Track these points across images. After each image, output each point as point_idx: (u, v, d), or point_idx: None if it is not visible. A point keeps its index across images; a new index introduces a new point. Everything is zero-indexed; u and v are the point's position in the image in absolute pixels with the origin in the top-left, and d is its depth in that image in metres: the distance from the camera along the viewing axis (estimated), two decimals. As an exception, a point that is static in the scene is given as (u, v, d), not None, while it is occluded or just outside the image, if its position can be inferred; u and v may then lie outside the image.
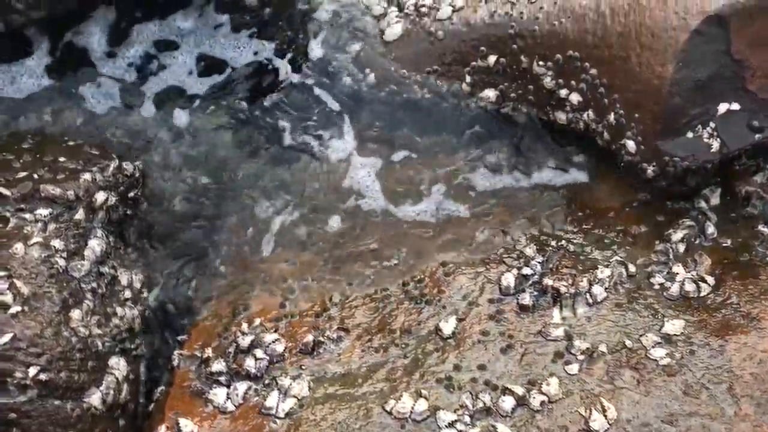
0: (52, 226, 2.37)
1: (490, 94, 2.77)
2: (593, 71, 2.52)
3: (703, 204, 2.52)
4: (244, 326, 2.41)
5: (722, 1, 2.27)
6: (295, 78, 2.91)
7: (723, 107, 2.37)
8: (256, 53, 2.96)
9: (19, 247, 2.28)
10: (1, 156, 2.57)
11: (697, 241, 2.46)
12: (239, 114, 2.89)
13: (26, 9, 2.67)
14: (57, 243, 2.33)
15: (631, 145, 2.48)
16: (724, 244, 2.44)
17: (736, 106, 2.36)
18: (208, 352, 2.38)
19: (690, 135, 2.40)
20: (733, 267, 2.38)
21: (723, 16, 2.27)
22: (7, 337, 2.12)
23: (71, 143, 2.69)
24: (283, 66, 2.93)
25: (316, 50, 2.94)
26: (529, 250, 2.48)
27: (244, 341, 2.36)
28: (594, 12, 2.51)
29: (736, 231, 2.47)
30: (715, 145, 2.39)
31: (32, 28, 2.87)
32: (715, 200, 2.53)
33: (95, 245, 2.43)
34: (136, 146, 2.81)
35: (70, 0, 2.78)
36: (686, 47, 2.32)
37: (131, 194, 2.66)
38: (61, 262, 2.31)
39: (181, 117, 2.87)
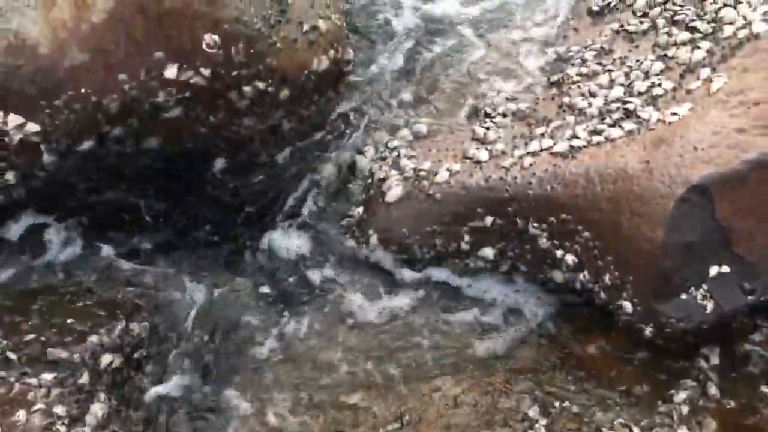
0: (55, 391, 2.38)
1: (488, 252, 2.86)
2: (587, 234, 2.62)
3: (703, 363, 2.53)
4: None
5: (703, 171, 2.41)
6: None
7: (714, 270, 2.43)
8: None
9: (21, 415, 2.28)
10: (11, 318, 2.62)
11: (700, 402, 2.45)
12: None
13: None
14: (59, 409, 2.33)
15: (627, 306, 2.53)
16: (728, 406, 2.43)
17: (726, 269, 2.43)
18: None
19: (684, 296, 2.45)
20: (739, 430, 2.35)
21: (705, 185, 2.40)
22: None
23: (80, 303, 2.75)
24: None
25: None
26: (533, 412, 2.47)
27: None
28: (583, 178, 2.65)
29: (739, 391, 2.46)
30: (710, 306, 2.43)
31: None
32: (715, 359, 2.55)
33: (98, 410, 2.42)
34: (146, 305, 2.86)
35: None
36: (674, 213, 2.42)
37: (136, 355, 2.68)
38: (63, 430, 2.30)
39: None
